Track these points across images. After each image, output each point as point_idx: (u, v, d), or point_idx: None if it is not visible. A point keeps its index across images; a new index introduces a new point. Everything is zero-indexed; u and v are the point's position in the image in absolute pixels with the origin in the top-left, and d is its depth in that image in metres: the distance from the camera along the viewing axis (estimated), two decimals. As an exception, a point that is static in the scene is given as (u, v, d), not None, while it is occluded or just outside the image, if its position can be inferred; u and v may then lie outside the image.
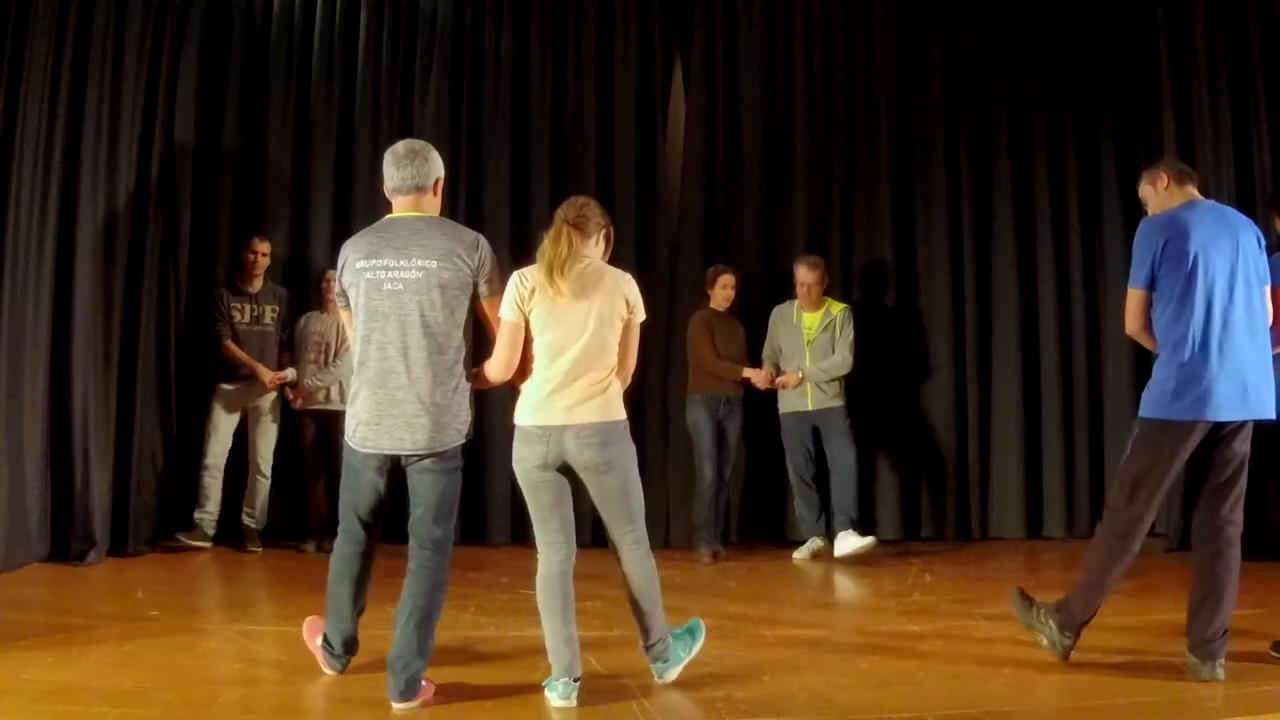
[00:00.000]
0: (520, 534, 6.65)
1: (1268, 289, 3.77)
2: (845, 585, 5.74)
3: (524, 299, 3.46)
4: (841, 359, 6.37)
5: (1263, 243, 3.79)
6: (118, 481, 5.86)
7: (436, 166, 3.52)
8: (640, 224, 6.92)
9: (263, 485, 6.31)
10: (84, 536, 5.58)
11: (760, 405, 6.57)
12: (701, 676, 3.64)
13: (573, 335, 3.45)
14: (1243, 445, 3.70)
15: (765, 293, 6.85)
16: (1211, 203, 3.83)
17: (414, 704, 3.31)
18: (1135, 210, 6.92)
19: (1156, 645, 3.97)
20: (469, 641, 4.15)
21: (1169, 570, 5.28)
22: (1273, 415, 3.71)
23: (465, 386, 3.44)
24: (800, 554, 6.32)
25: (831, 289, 6.61)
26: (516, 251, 6.83)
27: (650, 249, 6.93)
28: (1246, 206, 6.05)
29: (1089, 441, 7.05)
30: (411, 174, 3.47)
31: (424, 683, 3.38)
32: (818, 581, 5.86)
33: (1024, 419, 7.03)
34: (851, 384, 6.55)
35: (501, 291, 3.47)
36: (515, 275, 3.50)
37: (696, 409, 6.38)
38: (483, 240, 3.50)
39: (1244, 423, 3.68)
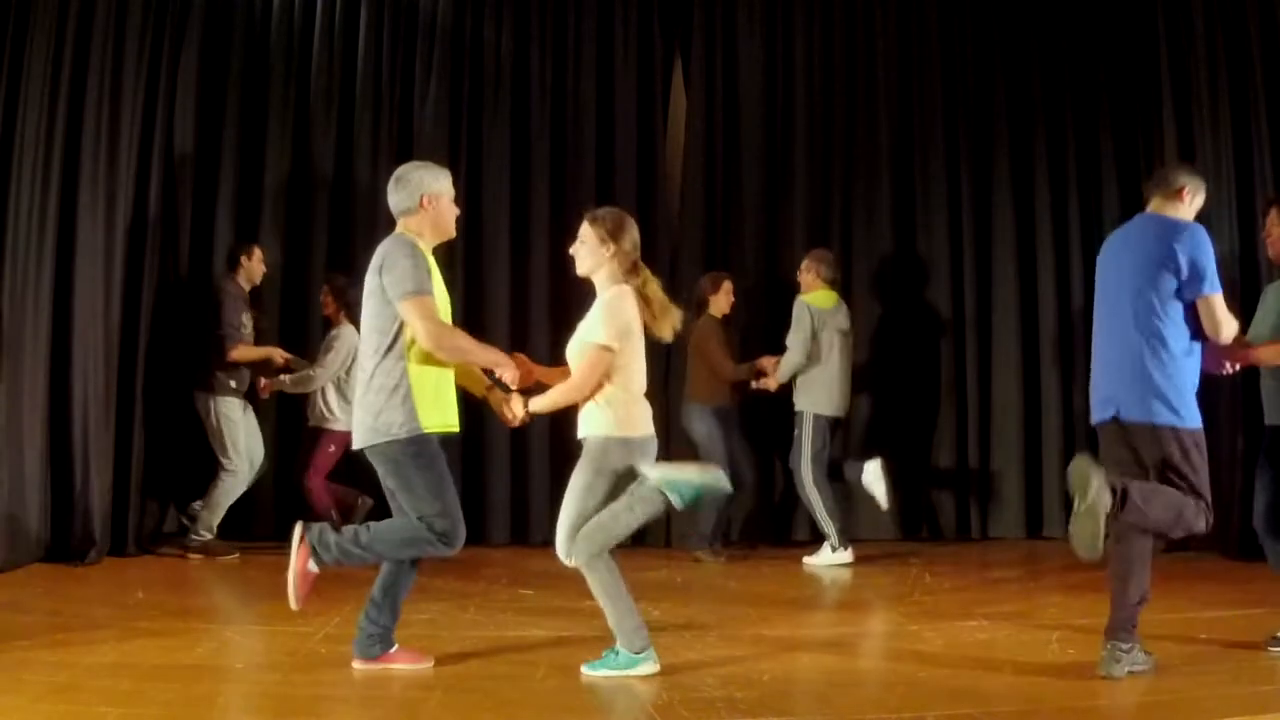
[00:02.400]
0: (520, 534, 6.67)
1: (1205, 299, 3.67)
2: (845, 585, 5.74)
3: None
4: (787, 355, 6.20)
5: (1170, 253, 3.66)
6: (118, 481, 5.86)
7: (417, 186, 3.64)
8: (640, 224, 6.87)
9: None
10: (84, 536, 5.58)
11: (758, 404, 6.57)
12: (701, 676, 3.64)
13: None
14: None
15: (765, 293, 6.86)
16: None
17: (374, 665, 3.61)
18: (1134, 209, 6.95)
19: (1155, 645, 3.96)
20: (469, 641, 4.15)
21: (1167, 570, 5.28)
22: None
23: (391, 387, 3.50)
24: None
25: (837, 285, 6.55)
26: (516, 250, 6.87)
27: (650, 249, 6.89)
28: (1246, 206, 6.07)
29: (1089, 442, 7.03)
30: (395, 203, 3.66)
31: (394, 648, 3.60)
32: (817, 581, 5.85)
33: (1024, 419, 7.03)
34: (851, 384, 6.53)
35: (408, 295, 3.46)
36: (625, 301, 3.64)
37: (710, 419, 6.24)
38: (395, 243, 3.57)
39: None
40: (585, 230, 3.74)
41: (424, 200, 3.63)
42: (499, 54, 6.97)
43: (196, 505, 6.10)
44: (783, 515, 6.87)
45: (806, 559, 6.15)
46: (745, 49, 7.16)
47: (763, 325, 6.66)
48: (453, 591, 5.11)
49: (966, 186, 7.17)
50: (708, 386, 6.31)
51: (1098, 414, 3.77)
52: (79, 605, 4.75)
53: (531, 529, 6.64)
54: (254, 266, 6.28)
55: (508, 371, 3.66)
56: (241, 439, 6.11)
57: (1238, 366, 3.94)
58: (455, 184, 6.91)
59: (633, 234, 3.73)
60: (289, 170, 6.79)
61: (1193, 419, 3.62)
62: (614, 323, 3.60)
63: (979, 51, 7.24)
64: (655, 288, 3.76)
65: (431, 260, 3.63)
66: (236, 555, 6.02)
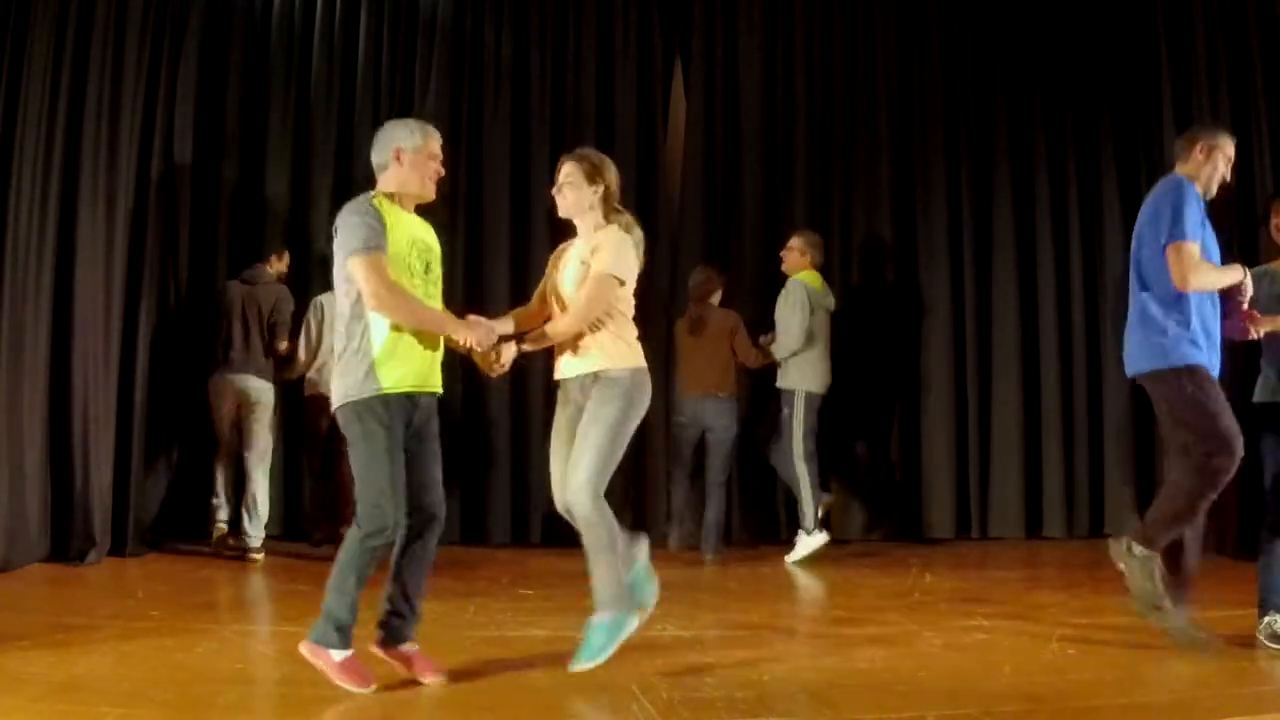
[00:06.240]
0: (520, 534, 6.67)
1: (1172, 248, 3.78)
2: (845, 585, 5.73)
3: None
4: (785, 334, 6.23)
5: (1158, 205, 3.86)
6: (118, 481, 5.86)
7: (391, 141, 3.52)
8: (640, 223, 6.89)
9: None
10: (84, 536, 5.58)
11: (760, 404, 6.59)
12: (701, 676, 3.64)
13: None
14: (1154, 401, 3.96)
15: (764, 292, 6.84)
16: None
17: (306, 649, 3.40)
18: (1135, 208, 6.95)
19: (1154, 645, 3.97)
20: (469, 641, 4.15)
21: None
22: (1130, 371, 3.98)
23: (355, 349, 3.40)
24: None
25: (830, 284, 6.57)
26: (516, 250, 6.87)
27: (650, 249, 6.89)
28: (1246, 206, 6.07)
29: (1089, 441, 7.06)
30: (373, 158, 3.56)
31: (331, 652, 3.37)
32: (817, 581, 5.85)
33: (1024, 419, 7.03)
34: (852, 382, 6.53)
35: (355, 252, 3.33)
36: (630, 240, 3.63)
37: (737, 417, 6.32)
38: (350, 204, 3.45)
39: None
40: (570, 169, 3.69)
41: (396, 154, 3.50)
42: (499, 54, 6.97)
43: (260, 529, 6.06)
44: (783, 514, 6.86)
45: (788, 558, 6.13)
46: (745, 48, 7.16)
47: (762, 323, 6.64)
48: (453, 591, 5.11)
49: (967, 185, 7.17)
50: (735, 378, 6.31)
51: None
52: (79, 605, 4.75)
53: (531, 529, 6.64)
54: (281, 269, 6.35)
55: (470, 335, 3.46)
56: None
57: (1262, 332, 3.95)
58: (455, 183, 6.93)
59: (615, 173, 3.73)
60: (289, 170, 6.79)
61: (1182, 358, 3.78)
62: (625, 258, 3.60)
63: (979, 52, 7.24)
64: (638, 228, 3.75)
65: (404, 217, 3.49)
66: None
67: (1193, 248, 3.74)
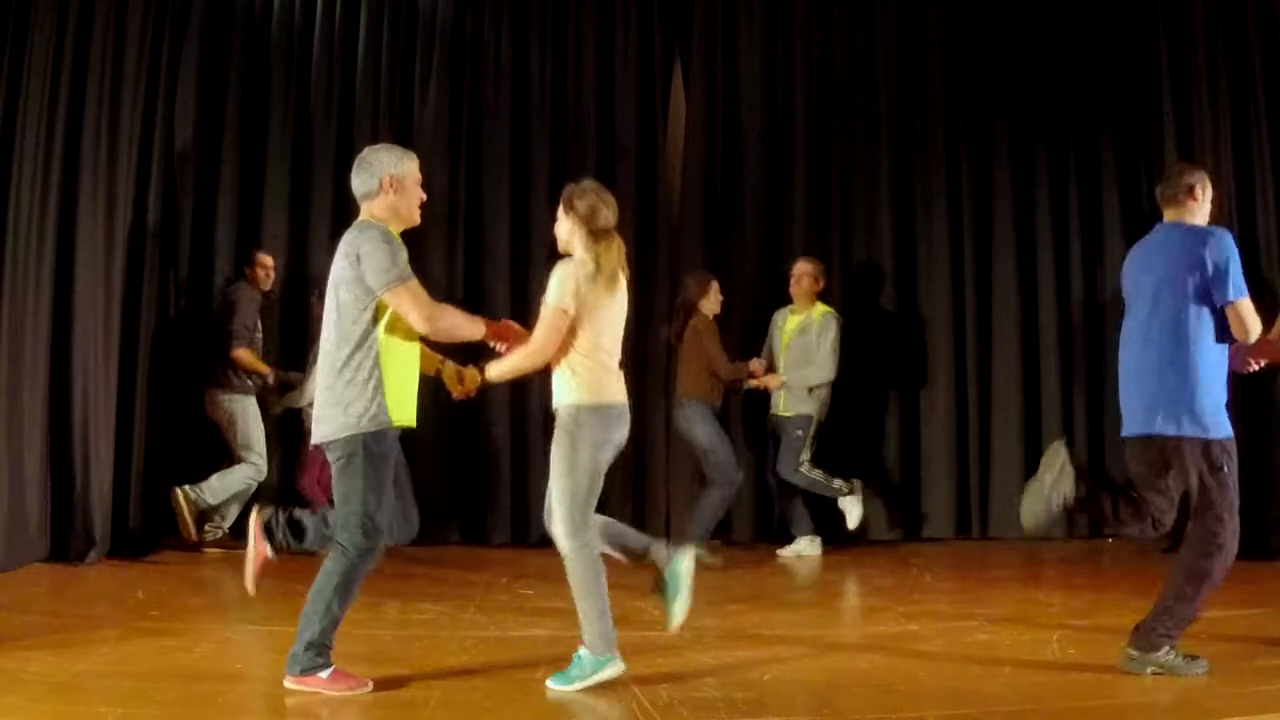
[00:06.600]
0: (520, 534, 6.67)
1: (1232, 308, 3.63)
2: (845, 585, 5.74)
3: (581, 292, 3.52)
4: (818, 365, 6.33)
5: (1199, 260, 3.64)
6: (118, 481, 5.86)
7: (379, 167, 3.58)
8: (640, 224, 6.91)
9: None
10: (84, 536, 5.58)
11: (762, 405, 6.58)
12: (701, 676, 3.64)
13: (621, 319, 3.64)
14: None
15: (764, 293, 6.85)
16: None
17: (294, 683, 3.42)
18: (1135, 210, 6.99)
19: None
20: (469, 641, 4.15)
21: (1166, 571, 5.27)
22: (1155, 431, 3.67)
23: (363, 380, 3.40)
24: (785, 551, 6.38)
25: (830, 291, 6.60)
26: (516, 250, 6.86)
27: (650, 249, 6.93)
28: (1246, 206, 6.08)
29: (1089, 442, 7.05)
30: (356, 186, 3.62)
31: (320, 674, 3.41)
32: (817, 581, 5.86)
33: (1024, 419, 7.03)
34: (851, 383, 6.54)
35: (397, 282, 3.38)
36: (581, 268, 3.53)
37: (712, 419, 6.23)
38: (367, 230, 3.47)
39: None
40: (560, 208, 3.71)
41: (387, 182, 3.54)
42: (499, 54, 6.97)
43: (207, 497, 6.02)
44: (782, 515, 6.86)
45: (849, 520, 6.26)
46: (745, 50, 7.15)
47: (761, 328, 6.64)
48: (453, 591, 5.12)
49: (966, 187, 7.16)
50: (707, 384, 6.28)
51: (1125, 429, 3.78)
52: (79, 605, 4.75)
53: (531, 529, 6.62)
54: (256, 272, 6.30)
55: (500, 330, 3.66)
56: (256, 435, 6.12)
57: (1263, 363, 3.93)
58: (455, 184, 6.93)
59: (600, 206, 3.60)
60: (289, 171, 6.79)
61: (1219, 429, 3.62)
62: (567, 284, 3.51)
63: (979, 54, 7.24)
64: (610, 253, 3.57)
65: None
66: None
67: (1249, 302, 3.63)
